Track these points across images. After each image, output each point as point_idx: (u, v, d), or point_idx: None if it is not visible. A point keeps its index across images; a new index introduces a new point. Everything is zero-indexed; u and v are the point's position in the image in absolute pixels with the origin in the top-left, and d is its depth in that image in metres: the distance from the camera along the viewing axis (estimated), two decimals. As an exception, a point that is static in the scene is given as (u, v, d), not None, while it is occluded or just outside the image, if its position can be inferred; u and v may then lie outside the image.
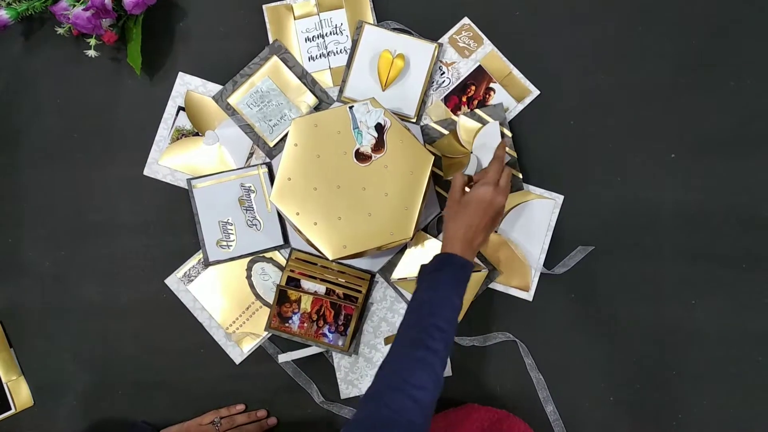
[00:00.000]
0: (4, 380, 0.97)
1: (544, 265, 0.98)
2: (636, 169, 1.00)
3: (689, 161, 0.99)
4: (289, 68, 0.99)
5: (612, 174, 1.00)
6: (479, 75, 1.00)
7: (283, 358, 0.96)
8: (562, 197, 0.99)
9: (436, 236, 0.97)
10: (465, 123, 0.98)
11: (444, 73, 1.00)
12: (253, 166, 0.98)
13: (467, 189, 0.89)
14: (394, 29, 1.00)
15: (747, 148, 0.99)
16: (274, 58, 0.99)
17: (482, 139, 0.98)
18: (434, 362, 0.72)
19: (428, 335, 0.73)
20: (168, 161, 0.99)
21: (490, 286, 0.98)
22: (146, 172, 1.00)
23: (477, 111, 0.99)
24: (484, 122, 0.98)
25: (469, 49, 1.00)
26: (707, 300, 0.98)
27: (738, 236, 0.99)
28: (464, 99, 1.00)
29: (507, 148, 0.98)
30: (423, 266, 0.82)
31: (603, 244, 0.98)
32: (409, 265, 0.96)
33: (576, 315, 0.98)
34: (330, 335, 0.95)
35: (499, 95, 1.00)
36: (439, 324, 0.75)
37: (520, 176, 0.98)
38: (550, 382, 0.97)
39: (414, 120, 0.99)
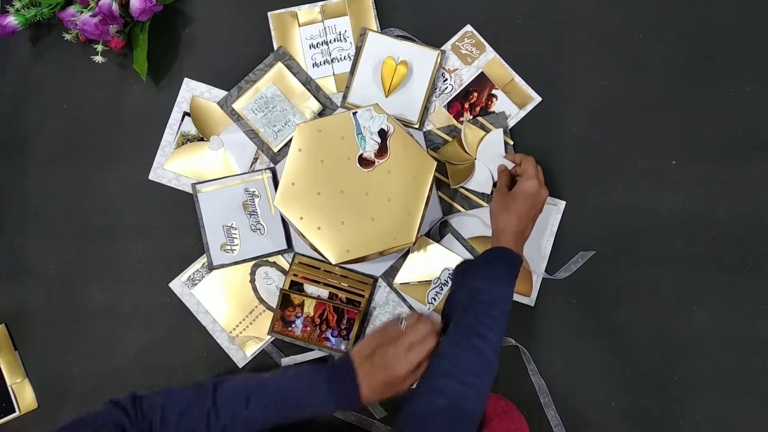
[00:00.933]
0: (8, 382, 0.98)
1: (546, 270, 0.98)
2: (637, 176, 1.00)
3: (690, 168, 1.00)
4: (294, 74, 1.00)
5: (613, 180, 1.00)
6: (481, 82, 1.01)
7: (286, 361, 0.97)
8: (563, 203, 0.99)
9: (438, 241, 0.98)
10: (469, 131, 0.98)
11: (447, 79, 1.01)
12: (258, 171, 0.98)
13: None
14: (398, 36, 1.01)
15: (747, 155, 1.00)
16: (279, 65, 1.00)
17: (486, 147, 0.98)
18: (488, 351, 0.73)
19: (483, 324, 0.74)
20: (173, 166, 1.00)
21: (492, 291, 0.98)
22: (151, 176, 1.01)
23: (479, 119, 1.00)
24: (486, 130, 0.99)
25: (471, 56, 1.02)
26: (708, 306, 0.98)
27: (739, 242, 0.99)
28: (467, 105, 1.01)
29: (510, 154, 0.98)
30: (476, 258, 0.85)
31: (604, 249, 0.99)
32: (412, 270, 0.97)
33: (577, 320, 0.99)
34: (333, 339, 0.95)
35: (501, 102, 1.01)
36: (494, 313, 0.76)
37: (522, 182, 0.99)
38: (552, 387, 0.97)
39: (417, 126, 1.00)
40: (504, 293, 0.79)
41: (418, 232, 0.87)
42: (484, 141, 0.98)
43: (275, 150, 0.99)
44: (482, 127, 0.99)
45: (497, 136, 0.98)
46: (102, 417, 0.69)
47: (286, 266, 0.98)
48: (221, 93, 1.01)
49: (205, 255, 0.98)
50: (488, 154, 0.98)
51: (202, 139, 1.00)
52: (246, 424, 0.70)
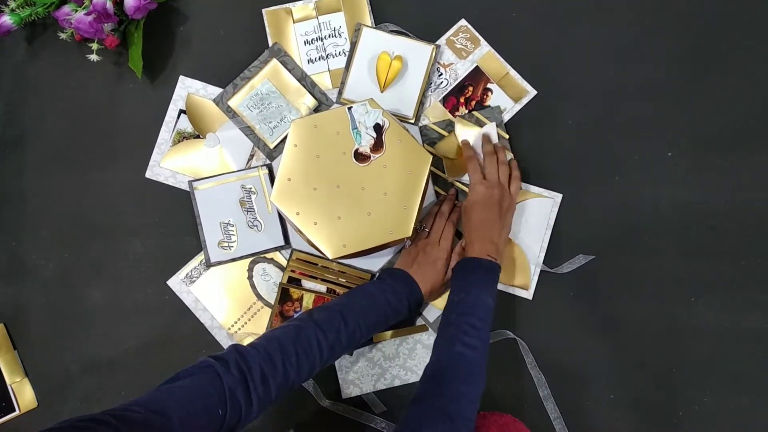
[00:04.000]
0: (8, 382, 0.98)
1: (544, 264, 0.98)
2: (634, 168, 1.00)
3: (687, 159, 1.00)
4: (289, 71, 1.00)
5: (610, 172, 1.00)
6: (477, 76, 1.01)
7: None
8: (560, 196, 0.99)
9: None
10: (462, 126, 0.98)
11: (442, 74, 1.01)
12: (254, 167, 0.99)
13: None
14: (392, 31, 1.01)
15: (744, 145, 1.00)
16: (274, 61, 1.00)
17: (479, 141, 0.98)
18: (472, 356, 0.77)
19: (463, 333, 0.78)
20: (169, 164, 1.00)
21: (490, 284, 0.98)
22: (148, 174, 1.01)
23: (474, 113, 1.00)
24: (481, 124, 0.99)
25: (466, 51, 1.02)
26: (707, 297, 0.98)
27: (737, 233, 0.99)
28: (462, 100, 1.01)
29: (505, 150, 0.98)
30: (453, 269, 0.88)
31: (602, 242, 0.99)
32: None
33: (576, 313, 0.99)
34: (331, 335, 0.95)
35: (497, 96, 1.01)
36: (472, 321, 0.80)
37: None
38: (551, 380, 0.97)
39: (412, 121, 1.00)
40: (481, 302, 0.82)
41: (414, 227, 0.87)
42: (478, 135, 0.98)
43: (271, 146, 0.99)
44: (477, 122, 0.99)
45: (490, 130, 0.98)
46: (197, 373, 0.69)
47: (284, 263, 0.98)
48: (217, 90, 1.01)
49: (202, 252, 0.98)
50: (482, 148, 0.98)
51: (198, 137, 1.01)
52: (348, 338, 0.80)
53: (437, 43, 1.01)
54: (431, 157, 0.88)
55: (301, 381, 0.77)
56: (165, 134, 1.01)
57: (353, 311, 0.82)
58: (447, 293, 0.88)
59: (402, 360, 0.97)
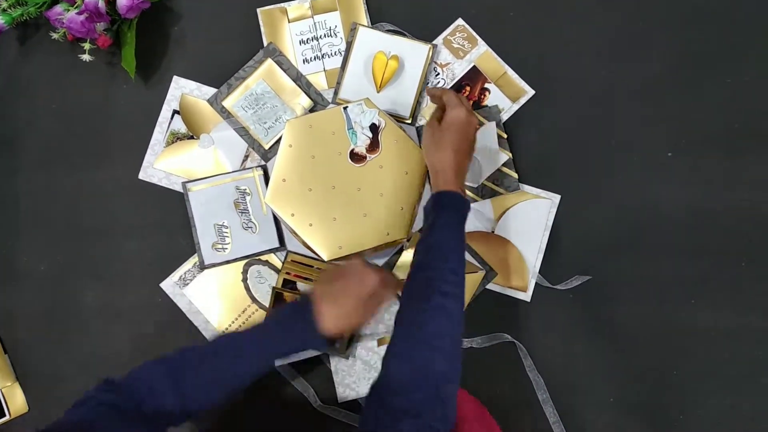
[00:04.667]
0: (-1, 386, 0.96)
1: (542, 267, 0.97)
2: (633, 168, 0.99)
3: (686, 159, 0.99)
4: (284, 71, 0.99)
5: (609, 173, 0.99)
6: (474, 76, 1.00)
7: (279, 361, 0.96)
8: (558, 197, 0.98)
9: (432, 237, 0.97)
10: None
11: (439, 74, 1.00)
12: (249, 168, 0.97)
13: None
14: (388, 31, 1.00)
15: (743, 145, 0.99)
16: (269, 61, 0.99)
17: (480, 141, 0.97)
18: (453, 307, 0.70)
19: (443, 280, 0.71)
20: (163, 165, 0.99)
21: (488, 287, 0.97)
22: (141, 175, 0.99)
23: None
24: (480, 124, 0.98)
25: (463, 50, 1.01)
26: (707, 298, 0.97)
27: (737, 233, 0.98)
28: (459, 99, 1.00)
29: (502, 149, 0.97)
30: (425, 208, 0.80)
31: (600, 243, 0.98)
32: (407, 266, 0.96)
33: (574, 315, 0.97)
34: (327, 338, 0.94)
35: (494, 96, 1.00)
36: (451, 266, 0.72)
37: (516, 176, 0.98)
38: (550, 383, 0.96)
39: (409, 121, 0.98)
40: (456, 242, 0.75)
41: (411, 228, 0.86)
42: (477, 134, 0.97)
43: (266, 147, 0.98)
44: (475, 121, 0.98)
45: (490, 129, 0.97)
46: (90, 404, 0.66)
47: (279, 265, 0.97)
48: (211, 90, 1.00)
49: (196, 254, 0.97)
50: (482, 147, 0.97)
51: (192, 137, 0.99)
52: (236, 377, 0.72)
53: (434, 42, 1.00)
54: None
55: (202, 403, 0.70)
56: (158, 135, 0.99)
57: (249, 350, 0.73)
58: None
59: (399, 363, 0.95)
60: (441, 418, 0.63)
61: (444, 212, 0.77)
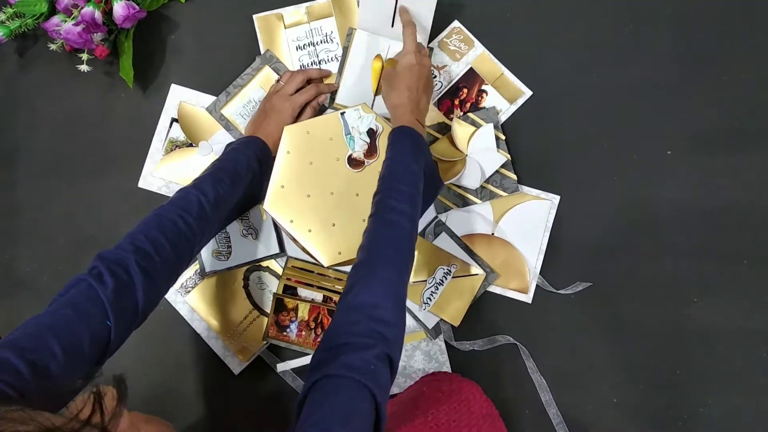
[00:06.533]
0: (4, 397, 0.97)
1: (543, 268, 0.97)
2: (632, 168, 0.99)
3: (685, 158, 0.99)
4: (281, 77, 0.99)
5: (609, 173, 0.99)
6: (471, 77, 1.00)
7: (281, 367, 0.96)
8: (558, 198, 0.98)
9: (432, 240, 0.97)
10: (459, 127, 0.97)
11: (436, 76, 1.00)
12: (248, 175, 0.97)
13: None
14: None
15: (743, 144, 0.99)
16: (266, 68, 0.99)
17: (477, 143, 0.97)
18: (403, 221, 0.73)
19: (392, 198, 0.74)
20: (162, 173, 0.99)
21: (489, 289, 0.97)
22: (141, 184, 1.00)
23: (470, 115, 0.99)
24: (477, 125, 0.98)
25: (460, 52, 1.00)
26: (709, 298, 0.97)
27: (738, 232, 0.98)
28: (457, 102, 1.00)
29: (501, 151, 0.97)
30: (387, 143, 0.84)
31: (601, 243, 0.98)
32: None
33: (576, 316, 0.97)
34: (328, 343, 0.94)
35: (492, 97, 1.00)
36: (402, 188, 0.75)
37: (515, 178, 0.97)
38: (552, 384, 0.96)
39: (407, 124, 0.98)
40: (408, 168, 0.78)
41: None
42: (475, 137, 0.97)
43: (265, 153, 0.98)
44: (473, 123, 0.98)
45: (488, 130, 0.97)
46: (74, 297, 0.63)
47: (280, 271, 0.97)
48: (209, 98, 1.00)
49: (197, 262, 0.97)
50: (480, 149, 0.97)
51: (191, 145, 1.00)
52: (211, 206, 0.77)
53: (430, 45, 1.00)
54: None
55: (184, 261, 0.74)
56: (157, 143, 1.00)
57: (205, 181, 0.79)
58: None
59: (401, 367, 0.95)
60: (381, 321, 0.64)
61: (396, 144, 0.81)
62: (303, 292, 0.95)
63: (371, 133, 0.87)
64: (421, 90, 0.87)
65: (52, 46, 0.96)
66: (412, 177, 0.77)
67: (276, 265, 0.98)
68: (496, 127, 0.98)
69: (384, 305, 0.65)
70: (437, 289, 0.96)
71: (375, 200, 0.76)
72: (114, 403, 0.48)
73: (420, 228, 0.97)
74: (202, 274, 0.97)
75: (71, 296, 0.63)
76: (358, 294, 0.66)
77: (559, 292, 0.96)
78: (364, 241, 0.73)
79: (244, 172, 0.84)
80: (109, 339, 0.63)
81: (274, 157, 0.86)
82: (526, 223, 0.98)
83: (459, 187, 0.98)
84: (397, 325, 0.66)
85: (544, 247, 0.97)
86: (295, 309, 0.94)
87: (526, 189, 0.98)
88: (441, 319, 0.95)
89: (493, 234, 0.98)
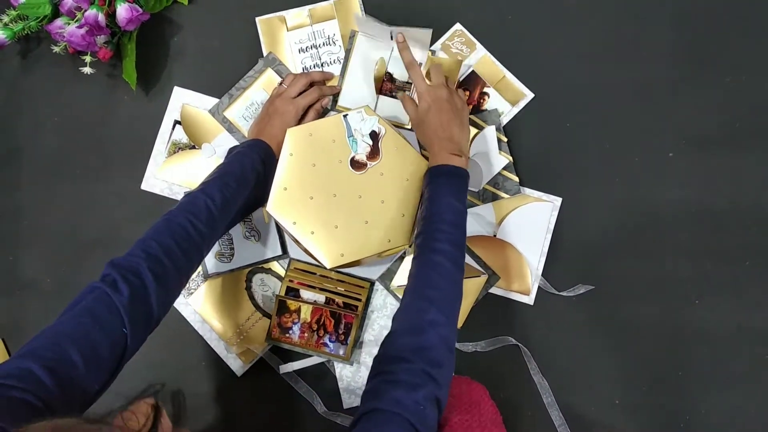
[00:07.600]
0: (7, 398, 0.97)
1: (545, 270, 0.97)
2: (634, 169, 0.99)
3: (687, 159, 0.99)
4: (284, 79, 0.99)
5: (610, 174, 0.99)
6: (473, 80, 1.00)
7: (284, 368, 0.96)
8: (560, 199, 0.98)
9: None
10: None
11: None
12: (250, 177, 0.98)
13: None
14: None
15: (744, 144, 0.99)
16: (269, 71, 1.00)
17: (479, 145, 0.97)
18: (444, 261, 0.74)
19: (434, 239, 0.76)
20: (165, 175, 1.00)
21: (491, 291, 0.97)
22: (144, 186, 1.00)
23: (472, 117, 0.99)
24: (479, 128, 0.98)
25: (462, 55, 1.01)
26: (711, 298, 0.97)
27: (740, 233, 0.98)
28: (459, 104, 1.00)
29: (503, 153, 0.97)
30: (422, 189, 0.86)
31: (603, 244, 0.98)
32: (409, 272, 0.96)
33: (578, 318, 0.97)
34: (331, 344, 0.94)
35: (494, 99, 1.00)
36: (443, 227, 0.77)
37: (517, 180, 0.98)
38: (555, 386, 0.96)
39: (409, 127, 0.99)
40: (449, 207, 0.79)
41: (413, 234, 0.86)
42: (477, 139, 0.97)
43: (267, 156, 0.98)
44: (475, 126, 0.98)
45: (490, 133, 0.97)
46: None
47: (282, 272, 0.97)
48: (212, 101, 1.00)
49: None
50: (482, 151, 0.97)
51: (193, 147, 1.00)
52: (219, 210, 0.78)
53: (432, 48, 1.00)
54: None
55: (194, 265, 0.75)
56: (160, 145, 1.00)
57: (212, 185, 0.79)
58: None
59: (403, 369, 0.96)
60: (431, 362, 0.66)
61: (431, 184, 0.82)
62: (306, 294, 0.96)
63: (374, 136, 0.88)
64: (449, 123, 0.86)
65: (56, 49, 0.97)
66: (452, 215, 0.79)
67: (279, 267, 0.98)
68: (498, 129, 0.98)
69: (433, 346, 0.68)
70: (439, 290, 0.96)
71: (417, 242, 0.79)
72: (169, 424, 0.50)
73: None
74: (205, 276, 0.97)
75: (88, 304, 0.63)
76: (407, 335, 0.69)
77: (561, 293, 0.97)
78: (409, 284, 0.75)
79: (249, 175, 0.84)
80: (126, 345, 0.64)
81: (278, 160, 0.86)
82: (528, 225, 0.98)
83: (461, 189, 0.98)
84: (446, 366, 0.68)
85: (546, 249, 0.97)
86: (298, 311, 0.94)
87: (528, 191, 0.99)
88: (443, 321, 0.95)
89: (495, 236, 0.98)
